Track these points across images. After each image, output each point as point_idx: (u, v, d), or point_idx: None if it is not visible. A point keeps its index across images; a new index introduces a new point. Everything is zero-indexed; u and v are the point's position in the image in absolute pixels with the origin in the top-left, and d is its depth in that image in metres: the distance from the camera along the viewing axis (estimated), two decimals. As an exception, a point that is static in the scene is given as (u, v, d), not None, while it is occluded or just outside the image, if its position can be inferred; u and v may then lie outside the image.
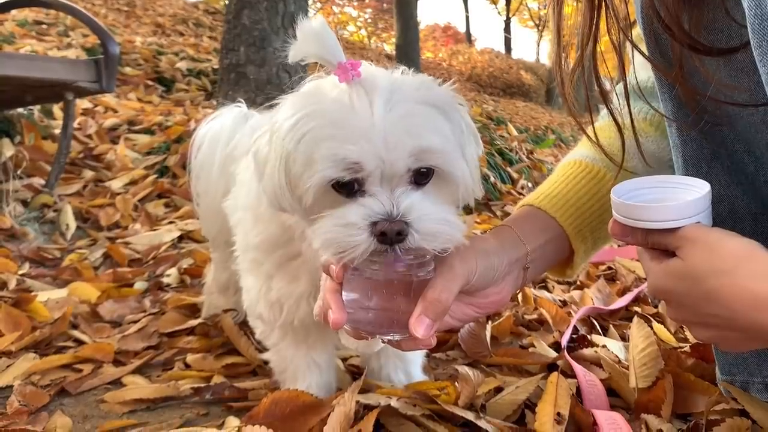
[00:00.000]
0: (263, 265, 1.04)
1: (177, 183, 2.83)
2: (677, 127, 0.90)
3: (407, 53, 12.61)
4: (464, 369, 1.07)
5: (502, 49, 26.77)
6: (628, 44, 0.90)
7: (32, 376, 1.27)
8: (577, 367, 1.13)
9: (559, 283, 1.86)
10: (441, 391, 1.05)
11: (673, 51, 0.81)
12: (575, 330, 1.37)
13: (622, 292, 1.69)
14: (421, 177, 0.78)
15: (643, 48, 0.90)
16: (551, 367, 1.16)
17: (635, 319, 1.20)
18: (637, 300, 1.61)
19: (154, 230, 2.39)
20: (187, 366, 1.32)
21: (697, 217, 0.75)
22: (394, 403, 0.98)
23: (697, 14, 0.77)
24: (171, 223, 2.48)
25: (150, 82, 4.69)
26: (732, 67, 0.78)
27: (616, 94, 0.94)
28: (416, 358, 1.19)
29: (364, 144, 0.73)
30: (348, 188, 0.77)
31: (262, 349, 1.17)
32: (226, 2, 5.07)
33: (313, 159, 0.75)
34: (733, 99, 0.78)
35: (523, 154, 4.00)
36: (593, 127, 0.96)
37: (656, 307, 1.54)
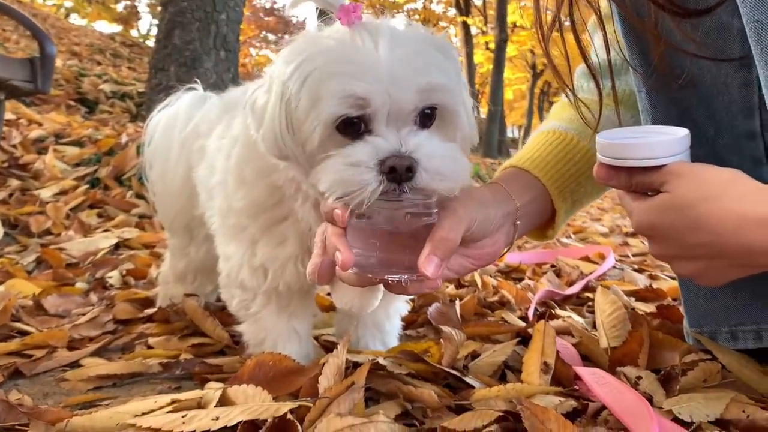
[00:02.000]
0: (247, 230, 1.02)
1: (110, 194, 2.73)
2: (647, 92, 0.97)
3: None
4: (448, 329, 1.08)
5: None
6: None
7: (-23, 363, 1.18)
8: (549, 333, 1.16)
9: (507, 280, 1.92)
10: (424, 355, 1.06)
11: (649, 16, 0.88)
12: (537, 310, 1.41)
13: (569, 285, 1.76)
14: (425, 118, 0.80)
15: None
16: (521, 337, 1.19)
17: (599, 288, 1.25)
18: (586, 290, 1.68)
19: (89, 237, 2.28)
20: (150, 348, 1.26)
21: (680, 155, 0.79)
22: (382, 360, 0.98)
23: None
24: (106, 230, 2.38)
25: (72, 103, 4.53)
26: (701, 31, 0.86)
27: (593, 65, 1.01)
28: (393, 330, 1.19)
29: (372, 80, 0.74)
30: (354, 130, 0.77)
31: (229, 328, 1.13)
32: (156, 25, 4.99)
33: (319, 97, 0.76)
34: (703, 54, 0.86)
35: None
36: (573, 91, 1.01)
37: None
